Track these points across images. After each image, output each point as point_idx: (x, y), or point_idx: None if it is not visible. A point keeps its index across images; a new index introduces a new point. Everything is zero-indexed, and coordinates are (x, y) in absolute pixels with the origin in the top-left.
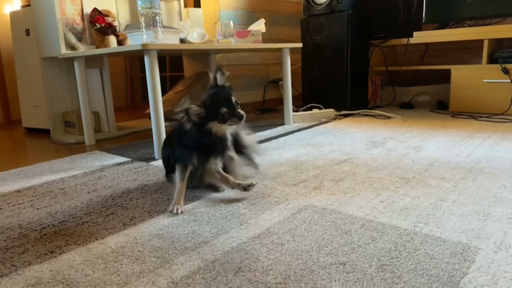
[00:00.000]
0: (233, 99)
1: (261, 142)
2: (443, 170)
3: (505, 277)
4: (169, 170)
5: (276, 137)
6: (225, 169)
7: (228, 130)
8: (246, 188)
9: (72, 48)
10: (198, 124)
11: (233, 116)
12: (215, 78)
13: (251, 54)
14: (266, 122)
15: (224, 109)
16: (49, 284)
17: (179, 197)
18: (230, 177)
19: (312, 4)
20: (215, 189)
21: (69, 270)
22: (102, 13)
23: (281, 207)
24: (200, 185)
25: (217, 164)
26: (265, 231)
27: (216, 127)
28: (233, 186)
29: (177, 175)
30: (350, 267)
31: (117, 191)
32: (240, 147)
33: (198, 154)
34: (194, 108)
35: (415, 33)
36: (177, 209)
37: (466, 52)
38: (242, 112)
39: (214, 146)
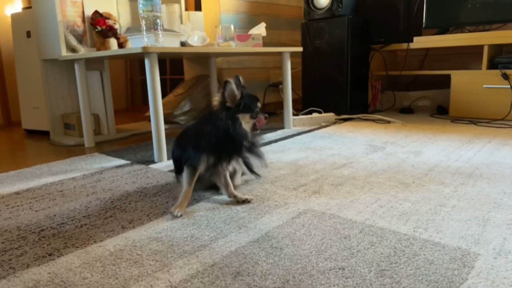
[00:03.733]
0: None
1: (261, 145)
2: (442, 175)
3: (504, 283)
4: (180, 170)
5: (276, 140)
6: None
7: (249, 129)
8: (240, 202)
9: (73, 50)
10: (229, 112)
11: (262, 115)
12: (239, 79)
13: (251, 57)
14: (266, 125)
15: (259, 104)
16: (47, 286)
17: (184, 200)
18: (231, 186)
19: (313, 8)
20: (217, 189)
21: (67, 273)
22: (103, 16)
23: (280, 211)
24: (203, 185)
25: (226, 167)
26: (264, 235)
27: (245, 120)
28: (230, 195)
29: (184, 178)
30: (349, 272)
31: (116, 194)
32: (250, 152)
33: (215, 154)
34: (233, 86)
35: (415, 38)
36: (177, 212)
37: (466, 57)
38: (264, 115)
39: (238, 139)
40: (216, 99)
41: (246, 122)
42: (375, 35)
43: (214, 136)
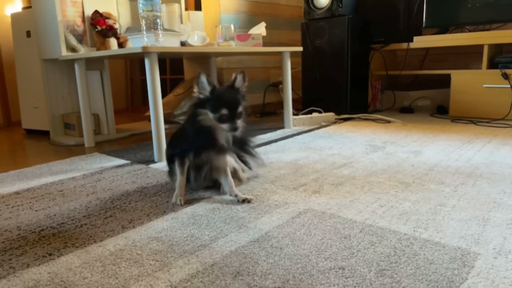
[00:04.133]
0: (240, 108)
1: (261, 145)
2: (442, 175)
3: (504, 283)
4: (172, 169)
5: (276, 140)
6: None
7: (219, 128)
8: (240, 201)
9: (73, 50)
10: (195, 105)
11: (229, 124)
12: (235, 78)
13: (251, 57)
14: (266, 125)
15: (225, 112)
16: (47, 286)
17: (181, 189)
18: (233, 183)
19: (313, 8)
20: (218, 187)
21: (67, 272)
22: (103, 16)
23: (280, 210)
24: (204, 182)
25: (224, 162)
26: (264, 235)
27: (206, 118)
28: (231, 193)
29: (176, 169)
30: (349, 272)
31: (116, 194)
32: (244, 151)
33: (194, 149)
34: (204, 80)
35: (415, 38)
36: (180, 200)
37: (466, 57)
38: (238, 125)
39: (203, 136)
40: (194, 90)
41: (208, 119)
42: (375, 35)
43: (190, 131)
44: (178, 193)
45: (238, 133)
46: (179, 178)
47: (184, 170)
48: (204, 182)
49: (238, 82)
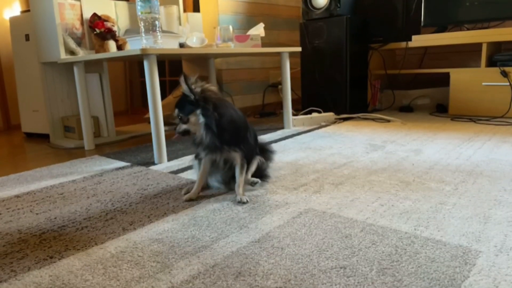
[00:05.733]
0: (181, 114)
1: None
2: (443, 173)
3: (506, 280)
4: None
5: (275, 141)
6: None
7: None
8: (236, 199)
9: (72, 53)
10: None
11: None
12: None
13: (250, 58)
14: (266, 126)
15: (176, 111)
16: None
17: (196, 188)
18: (242, 181)
19: (311, 8)
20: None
21: (68, 275)
22: (102, 18)
23: (281, 211)
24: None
25: (233, 158)
26: (265, 235)
27: None
28: (236, 189)
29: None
30: (350, 271)
31: (117, 196)
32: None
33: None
34: (185, 85)
35: (414, 37)
36: (187, 195)
37: (465, 55)
38: (178, 128)
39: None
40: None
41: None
42: (373, 34)
43: None
44: (193, 192)
45: (177, 134)
46: (197, 179)
47: (200, 171)
48: (227, 176)
49: (185, 90)
